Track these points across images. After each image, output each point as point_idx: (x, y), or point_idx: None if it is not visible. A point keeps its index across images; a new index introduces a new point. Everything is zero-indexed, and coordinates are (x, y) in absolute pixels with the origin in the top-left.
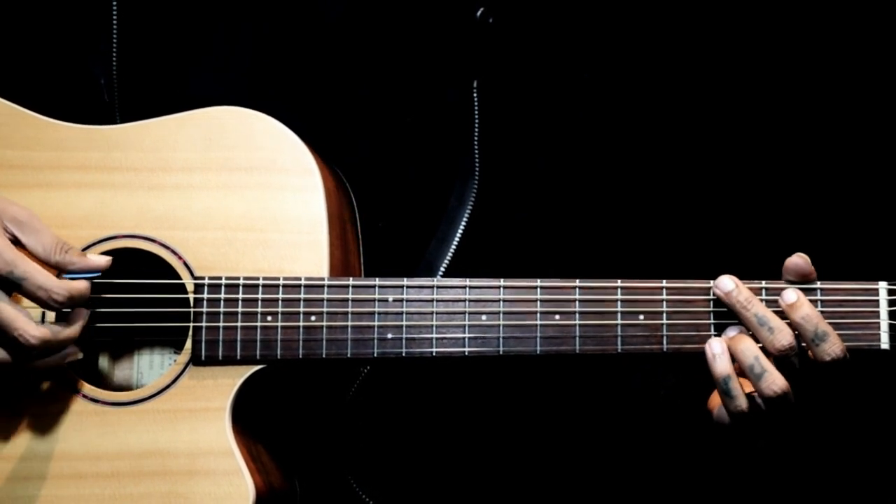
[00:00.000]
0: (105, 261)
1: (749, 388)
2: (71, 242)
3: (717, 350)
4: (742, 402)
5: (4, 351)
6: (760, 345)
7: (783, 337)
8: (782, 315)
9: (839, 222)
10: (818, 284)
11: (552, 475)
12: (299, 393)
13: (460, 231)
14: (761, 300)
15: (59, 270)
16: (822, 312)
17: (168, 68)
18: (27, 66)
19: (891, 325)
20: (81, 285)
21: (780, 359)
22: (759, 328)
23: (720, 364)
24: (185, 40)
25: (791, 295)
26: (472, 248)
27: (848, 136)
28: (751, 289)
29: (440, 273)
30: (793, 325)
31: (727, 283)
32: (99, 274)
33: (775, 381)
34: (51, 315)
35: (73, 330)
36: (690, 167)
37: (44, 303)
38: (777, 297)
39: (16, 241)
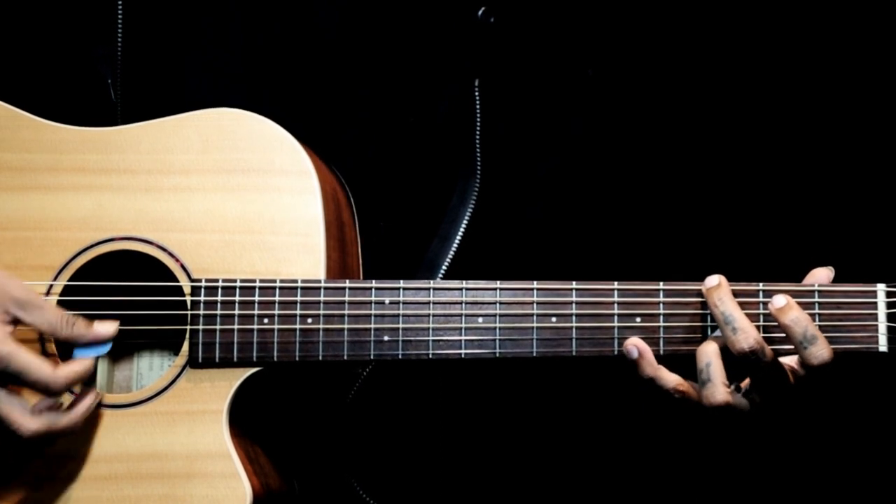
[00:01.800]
0: (114, 328)
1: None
2: (69, 245)
3: (633, 354)
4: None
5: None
6: (723, 347)
7: (744, 339)
8: (768, 318)
9: (837, 224)
10: (816, 286)
11: (552, 474)
12: (298, 395)
13: (462, 230)
14: (758, 302)
15: (70, 344)
16: (819, 314)
17: (170, 69)
18: (33, 66)
19: (889, 328)
20: (79, 368)
21: (741, 360)
22: (724, 326)
23: (642, 367)
24: (186, 41)
25: (780, 299)
26: (474, 246)
27: (846, 137)
28: (747, 291)
29: (442, 271)
30: (782, 329)
31: (711, 280)
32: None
33: (713, 393)
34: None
35: (74, 416)
36: (690, 168)
37: (43, 393)
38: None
39: (18, 321)
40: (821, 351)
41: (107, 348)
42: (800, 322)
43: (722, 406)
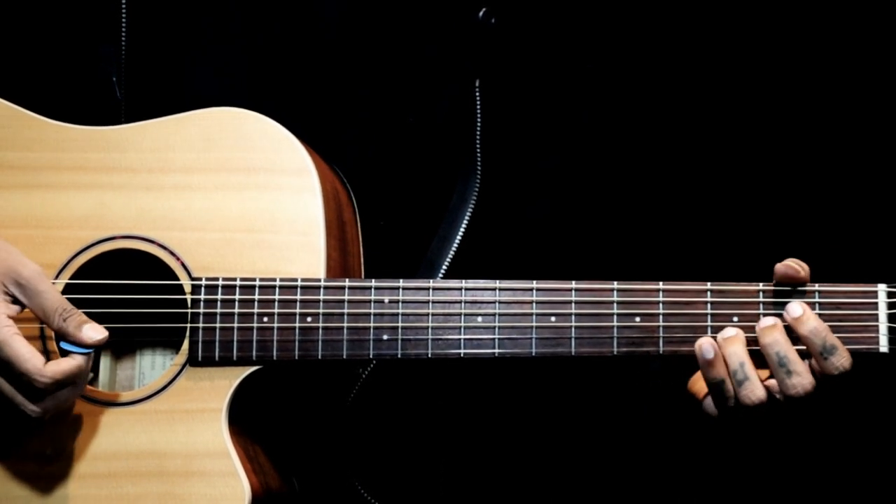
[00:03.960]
0: (101, 336)
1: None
2: (70, 243)
3: (708, 356)
4: (732, 403)
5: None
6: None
7: (800, 384)
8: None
9: (838, 223)
10: (816, 287)
11: (553, 473)
12: (298, 394)
13: (462, 229)
14: (758, 302)
15: (57, 336)
16: (820, 314)
17: (172, 68)
18: (37, 64)
19: (890, 328)
20: (68, 368)
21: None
22: (777, 368)
23: (714, 369)
24: (188, 40)
25: (797, 308)
26: (474, 246)
27: (847, 137)
28: (747, 291)
29: (442, 271)
30: (800, 339)
31: (766, 321)
32: (91, 352)
33: (754, 391)
34: None
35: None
36: (691, 168)
37: (26, 389)
38: (775, 300)
39: (17, 301)
40: (841, 360)
41: (90, 349)
42: (819, 333)
43: (760, 403)
